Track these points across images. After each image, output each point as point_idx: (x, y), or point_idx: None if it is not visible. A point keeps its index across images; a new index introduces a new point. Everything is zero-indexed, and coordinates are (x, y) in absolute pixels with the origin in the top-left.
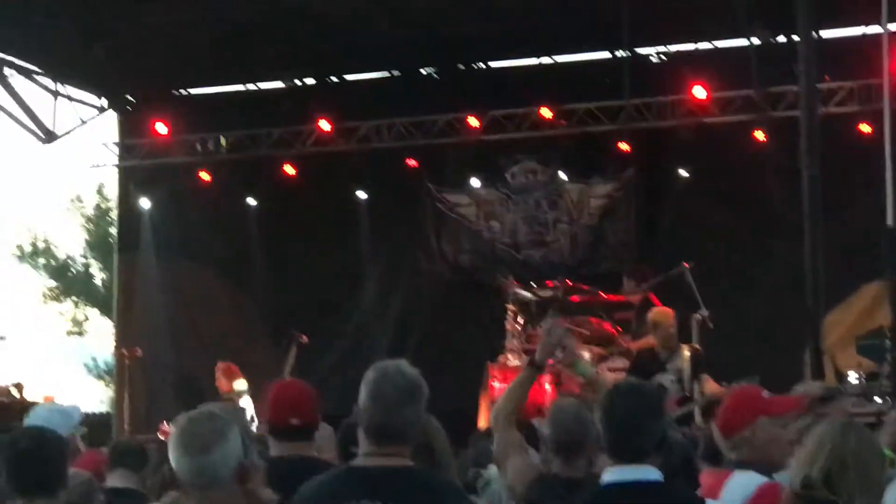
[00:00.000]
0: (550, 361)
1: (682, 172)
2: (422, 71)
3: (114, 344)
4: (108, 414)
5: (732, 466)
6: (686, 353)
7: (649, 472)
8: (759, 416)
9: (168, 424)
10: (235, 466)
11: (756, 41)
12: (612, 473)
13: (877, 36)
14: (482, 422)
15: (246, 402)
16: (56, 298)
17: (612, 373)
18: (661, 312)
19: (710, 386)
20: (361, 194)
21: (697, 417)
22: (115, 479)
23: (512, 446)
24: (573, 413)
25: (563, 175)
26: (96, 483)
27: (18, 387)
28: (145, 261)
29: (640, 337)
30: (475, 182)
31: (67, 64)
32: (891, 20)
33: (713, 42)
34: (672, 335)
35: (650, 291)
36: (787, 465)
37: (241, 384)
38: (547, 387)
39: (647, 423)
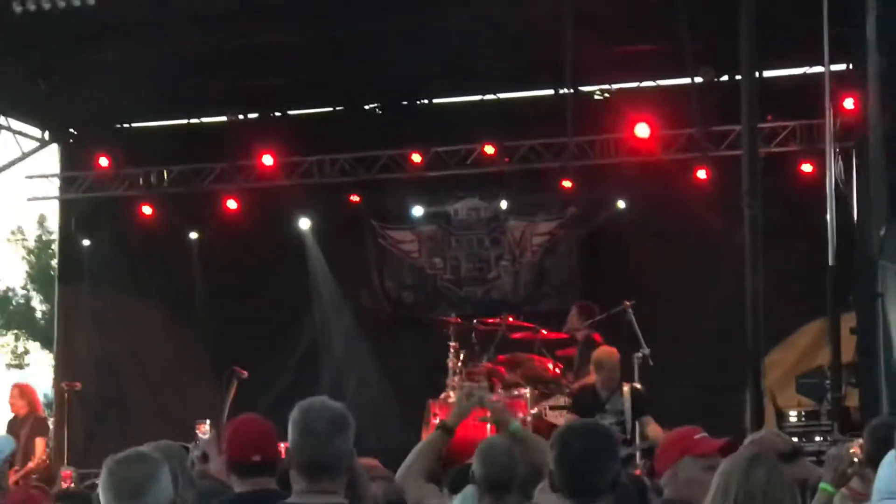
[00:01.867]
0: (485, 413)
1: (621, 204)
2: (365, 107)
3: (53, 377)
4: None
5: None
6: (626, 390)
7: None
8: (683, 455)
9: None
10: None
11: (699, 80)
12: None
13: (819, 76)
14: None
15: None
16: None
17: (553, 411)
18: (606, 353)
19: (654, 429)
20: (304, 229)
21: (638, 460)
22: None
23: (427, 495)
24: (503, 451)
25: (505, 212)
26: None
27: None
28: (86, 294)
29: (582, 375)
30: (418, 218)
31: (10, 96)
32: (832, 61)
33: (656, 80)
34: (614, 378)
35: (592, 330)
36: None
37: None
38: (488, 426)
39: (602, 462)
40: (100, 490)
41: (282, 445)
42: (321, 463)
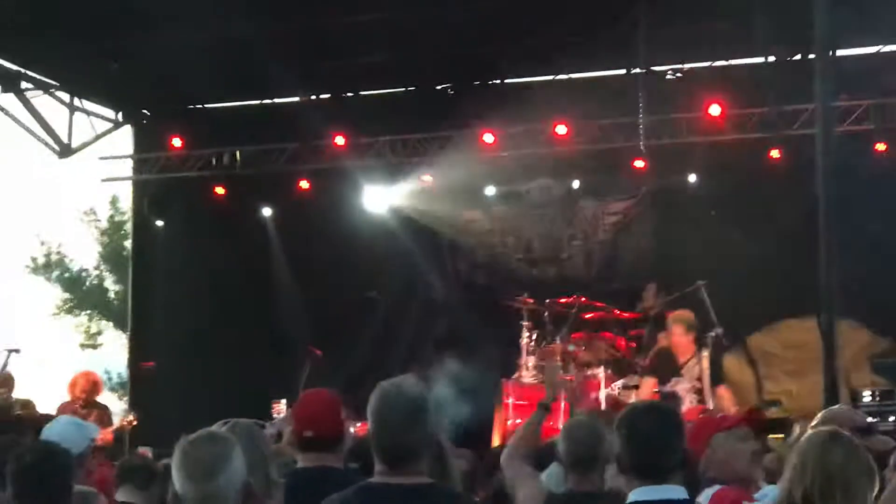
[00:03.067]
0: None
1: (692, 179)
2: (437, 87)
3: (128, 357)
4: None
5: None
6: (705, 356)
7: (675, 491)
8: (714, 433)
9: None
10: (241, 488)
11: (772, 59)
12: (638, 493)
13: (893, 54)
14: (497, 439)
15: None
16: (70, 311)
17: (626, 390)
18: (673, 315)
19: (726, 402)
20: (391, 205)
21: None
22: (122, 496)
23: (521, 476)
24: (588, 428)
25: (577, 192)
26: (101, 498)
27: (27, 405)
28: (159, 274)
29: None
30: (490, 198)
31: (83, 78)
32: None
33: (728, 60)
34: (677, 343)
35: (665, 309)
36: (756, 476)
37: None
38: (561, 404)
39: (670, 442)
40: (173, 471)
41: (358, 425)
42: (397, 453)
